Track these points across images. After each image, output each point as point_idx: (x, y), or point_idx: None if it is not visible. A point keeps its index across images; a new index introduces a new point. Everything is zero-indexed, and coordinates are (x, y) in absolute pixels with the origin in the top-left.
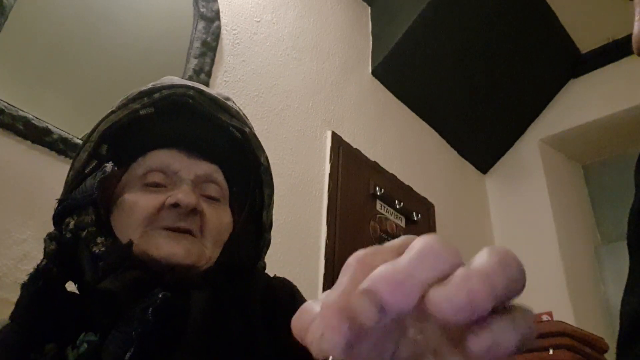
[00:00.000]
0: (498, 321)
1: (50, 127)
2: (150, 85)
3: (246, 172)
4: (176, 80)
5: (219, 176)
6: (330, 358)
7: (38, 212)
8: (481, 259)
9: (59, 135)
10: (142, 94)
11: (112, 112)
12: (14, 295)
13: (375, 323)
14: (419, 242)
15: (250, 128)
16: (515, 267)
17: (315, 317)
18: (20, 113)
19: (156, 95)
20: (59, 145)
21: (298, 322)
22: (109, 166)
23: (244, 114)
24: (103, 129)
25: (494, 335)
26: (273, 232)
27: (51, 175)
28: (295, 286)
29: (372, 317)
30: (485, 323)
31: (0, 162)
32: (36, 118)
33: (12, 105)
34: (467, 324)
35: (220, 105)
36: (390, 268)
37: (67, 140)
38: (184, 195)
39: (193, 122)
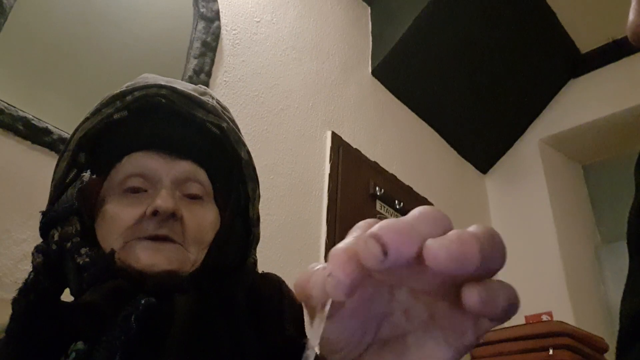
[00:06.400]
0: (489, 281)
1: (50, 127)
2: (123, 88)
3: (228, 168)
4: (150, 79)
5: (200, 174)
6: (330, 303)
7: (38, 212)
8: (472, 227)
9: (59, 135)
10: (114, 98)
11: (87, 118)
12: (14, 295)
13: (380, 264)
14: (419, 208)
15: (229, 122)
16: (499, 239)
17: (318, 269)
18: (20, 113)
19: (128, 98)
20: (59, 145)
21: (301, 277)
22: (86, 175)
23: (222, 108)
24: (79, 137)
25: (487, 290)
26: (273, 232)
27: (51, 175)
28: (282, 282)
29: (377, 257)
30: (478, 281)
31: (0, 162)
32: (36, 118)
33: (12, 106)
34: (454, 285)
35: (195, 102)
36: (394, 220)
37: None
38: (162, 200)
39: (168, 122)
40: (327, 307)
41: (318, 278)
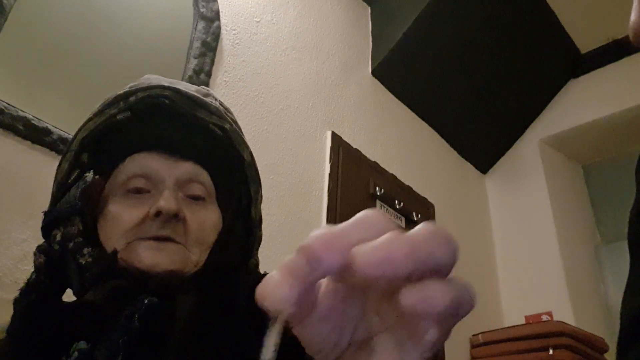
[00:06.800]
0: (431, 281)
1: (50, 127)
2: (127, 88)
3: (230, 169)
4: (154, 80)
5: (203, 175)
6: (281, 315)
7: (38, 212)
8: (413, 230)
9: (59, 135)
10: (118, 99)
11: (90, 119)
12: (14, 295)
13: (309, 275)
14: (362, 212)
15: (232, 124)
16: (443, 237)
17: (270, 280)
18: (20, 113)
19: (132, 99)
20: (59, 145)
21: (259, 287)
22: (89, 175)
23: (225, 110)
24: (82, 137)
25: (425, 290)
26: (273, 232)
27: (51, 175)
28: None
29: (304, 269)
30: (419, 281)
31: (0, 162)
32: (36, 118)
33: (12, 106)
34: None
35: (198, 103)
36: (326, 230)
37: (67, 140)
38: (165, 201)
39: (171, 123)
40: (280, 319)
41: (268, 290)
